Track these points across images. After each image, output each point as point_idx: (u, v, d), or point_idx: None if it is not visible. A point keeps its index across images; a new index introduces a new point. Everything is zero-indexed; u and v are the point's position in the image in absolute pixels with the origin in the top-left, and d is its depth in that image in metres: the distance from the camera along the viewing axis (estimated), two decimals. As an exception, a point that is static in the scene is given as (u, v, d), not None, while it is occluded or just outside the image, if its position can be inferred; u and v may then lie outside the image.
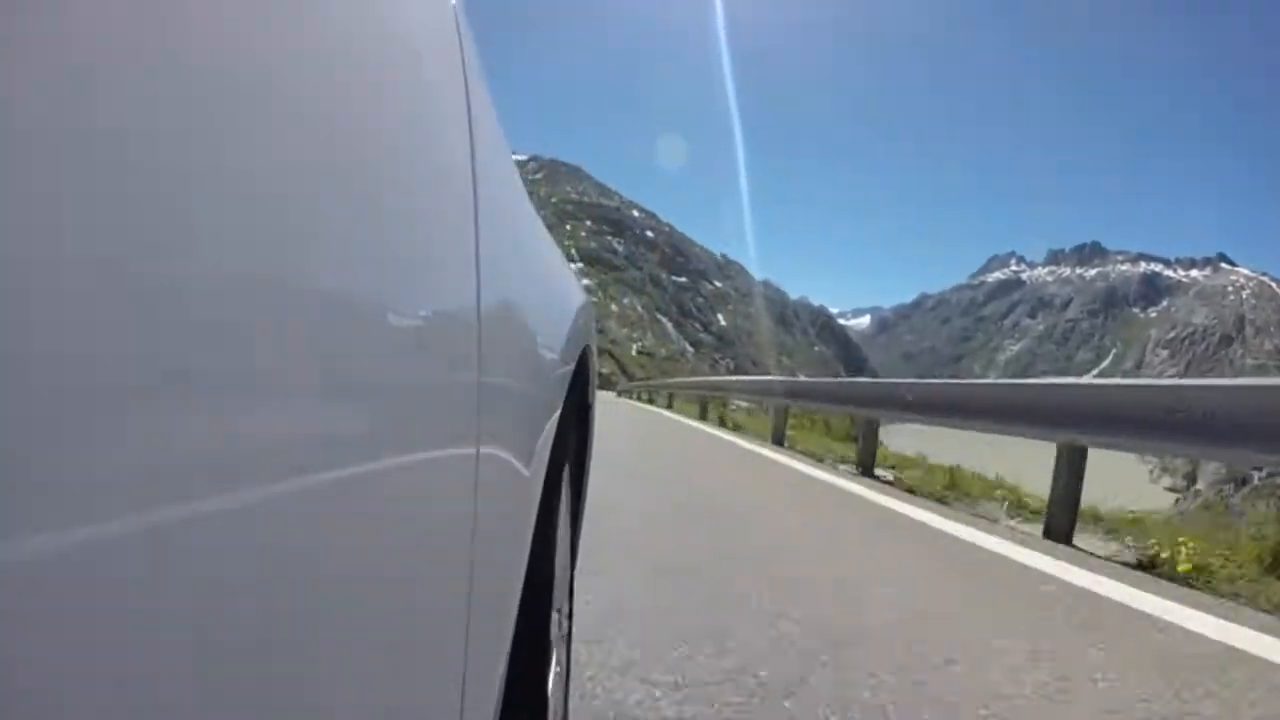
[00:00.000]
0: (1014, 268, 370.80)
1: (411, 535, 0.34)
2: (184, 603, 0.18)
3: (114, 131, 0.16)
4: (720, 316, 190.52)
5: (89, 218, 0.15)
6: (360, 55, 0.31)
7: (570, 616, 1.19)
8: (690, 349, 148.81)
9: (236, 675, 0.20)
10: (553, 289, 0.87)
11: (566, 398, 0.91)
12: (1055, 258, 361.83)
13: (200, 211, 0.18)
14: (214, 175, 0.19)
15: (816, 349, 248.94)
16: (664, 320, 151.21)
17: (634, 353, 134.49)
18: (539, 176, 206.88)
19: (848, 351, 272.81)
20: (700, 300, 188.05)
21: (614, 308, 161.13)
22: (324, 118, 0.26)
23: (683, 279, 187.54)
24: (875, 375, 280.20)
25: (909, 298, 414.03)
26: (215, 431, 0.19)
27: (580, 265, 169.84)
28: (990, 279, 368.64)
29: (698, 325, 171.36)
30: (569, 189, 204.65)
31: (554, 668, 0.84)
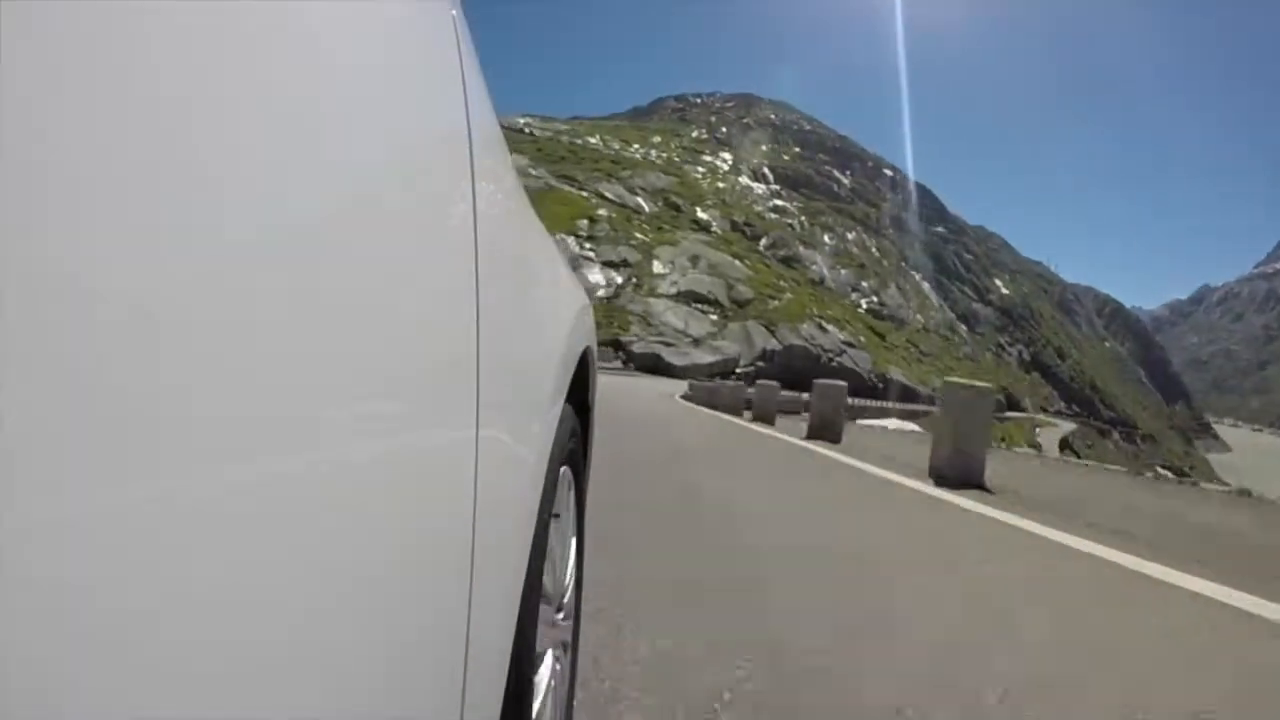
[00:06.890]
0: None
1: (411, 535, 0.34)
2: (181, 600, 0.18)
3: (113, 130, 0.16)
4: (999, 283, 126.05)
5: (85, 217, 0.15)
6: (359, 54, 0.31)
7: (574, 659, 1.07)
8: (960, 323, 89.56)
9: (234, 672, 0.20)
10: (552, 290, 0.87)
11: (567, 401, 0.89)
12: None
13: (198, 211, 0.19)
14: (212, 175, 0.19)
15: (1108, 344, 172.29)
16: (914, 274, 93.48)
17: (863, 309, 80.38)
18: (729, 107, 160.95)
19: (1146, 349, 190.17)
20: (969, 258, 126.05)
21: (826, 238, 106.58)
22: (322, 118, 0.26)
23: (939, 229, 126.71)
24: (1179, 377, 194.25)
25: (1182, 294, 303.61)
26: (214, 430, 0.19)
27: (775, 186, 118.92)
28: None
29: (968, 290, 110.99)
30: (771, 115, 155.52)
31: None
